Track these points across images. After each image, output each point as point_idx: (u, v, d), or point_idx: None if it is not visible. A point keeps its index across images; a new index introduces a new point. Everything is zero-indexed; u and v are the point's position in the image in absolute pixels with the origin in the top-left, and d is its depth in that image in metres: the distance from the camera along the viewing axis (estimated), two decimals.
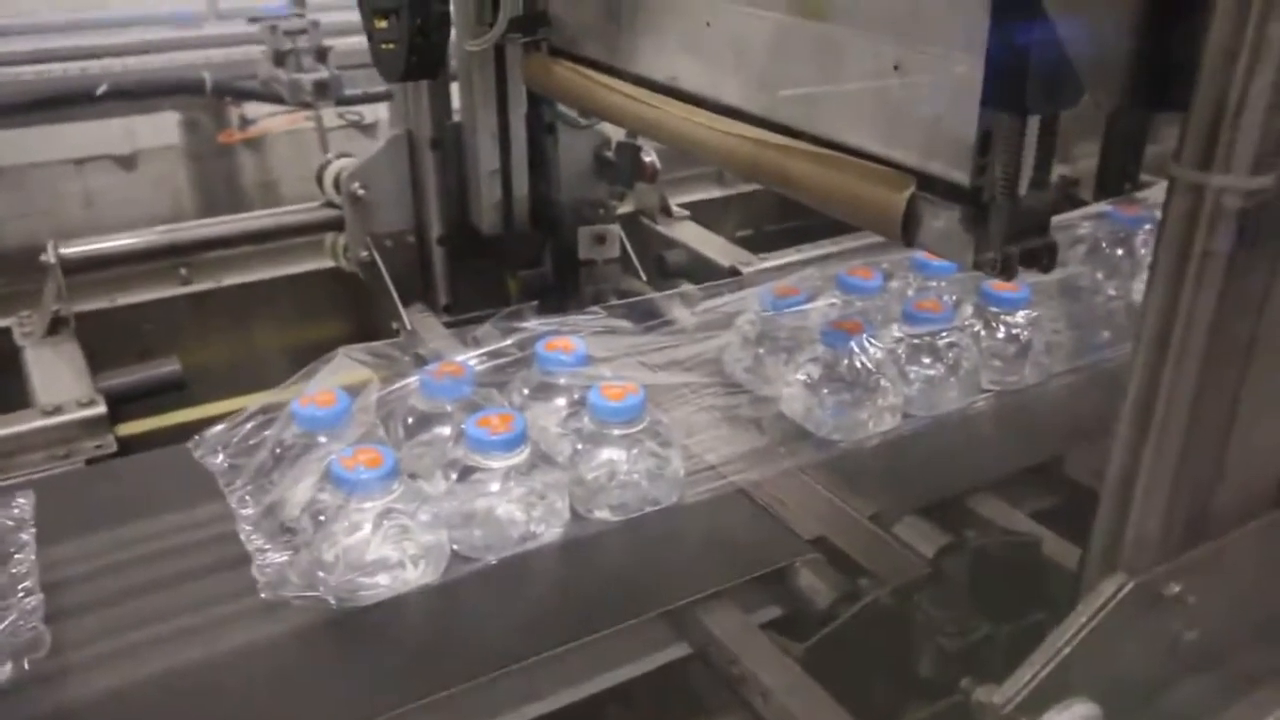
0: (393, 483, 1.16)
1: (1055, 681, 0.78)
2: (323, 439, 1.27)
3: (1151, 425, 0.80)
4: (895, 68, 1.03)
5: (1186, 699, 0.86)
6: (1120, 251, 1.78)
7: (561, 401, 1.39)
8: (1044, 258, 0.99)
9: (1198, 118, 0.71)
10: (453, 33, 1.79)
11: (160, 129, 3.29)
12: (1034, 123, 0.92)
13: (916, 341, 1.52)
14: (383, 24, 1.76)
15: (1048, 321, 1.63)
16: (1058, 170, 2.52)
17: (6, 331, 1.90)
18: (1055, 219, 1.88)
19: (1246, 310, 0.78)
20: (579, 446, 1.29)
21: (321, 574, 1.14)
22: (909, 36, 1.00)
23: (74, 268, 1.88)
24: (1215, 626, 0.86)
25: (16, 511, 1.24)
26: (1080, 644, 0.78)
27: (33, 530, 1.22)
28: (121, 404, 1.70)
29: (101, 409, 1.60)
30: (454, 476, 1.23)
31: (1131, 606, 0.80)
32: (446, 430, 1.33)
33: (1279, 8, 0.67)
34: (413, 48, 1.72)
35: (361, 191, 1.95)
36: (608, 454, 1.28)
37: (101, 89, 2.80)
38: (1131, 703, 0.82)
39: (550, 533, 1.25)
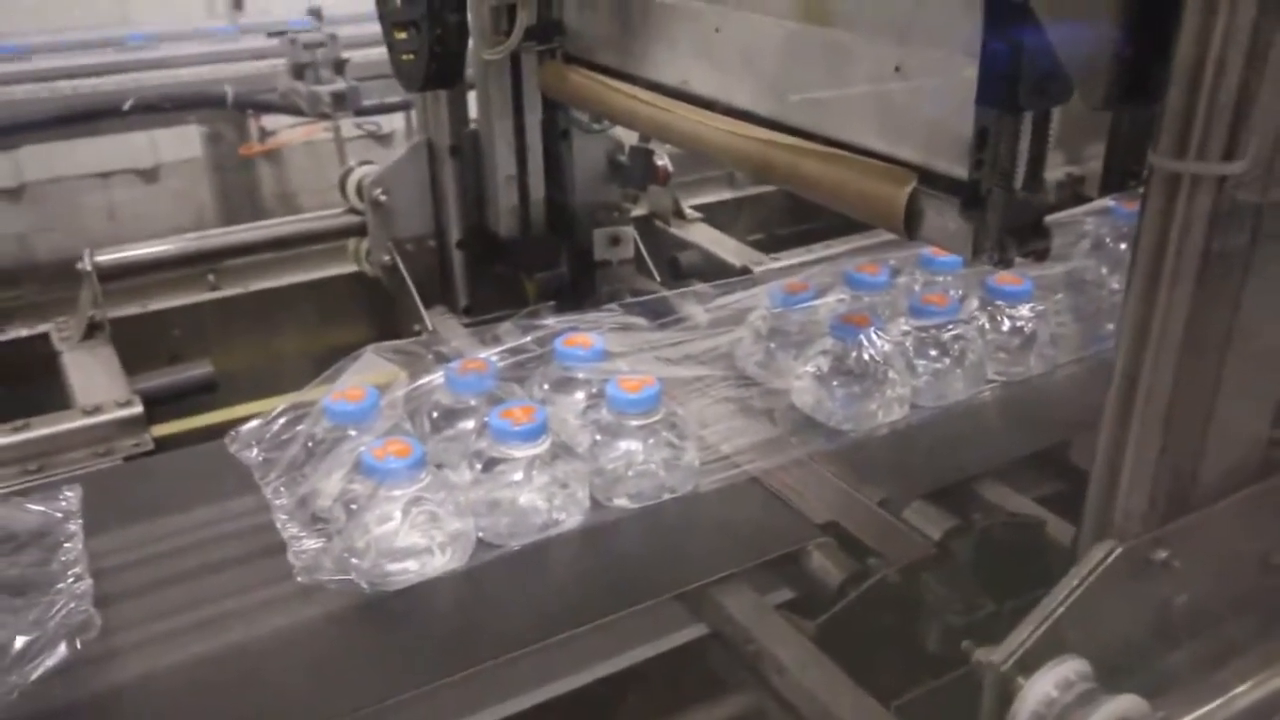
0: (421, 472, 1.21)
1: (1049, 641, 0.83)
2: (353, 432, 1.33)
3: (1135, 405, 0.85)
4: (896, 69, 1.08)
5: (1170, 665, 0.90)
6: (1123, 245, 1.82)
7: (580, 395, 1.44)
8: (1040, 247, 1.04)
9: (1172, 108, 0.76)
10: (470, 43, 1.86)
11: (182, 143, 3.36)
12: (1028, 119, 0.97)
13: (923, 334, 1.56)
14: (402, 35, 1.82)
15: (1052, 314, 1.67)
16: (1066, 169, 2.55)
17: (45, 336, 1.97)
18: (1061, 215, 1.92)
19: (1224, 297, 0.83)
20: (598, 437, 1.34)
21: (354, 560, 1.19)
22: (908, 40, 1.06)
23: (108, 275, 1.94)
24: (1203, 592, 0.91)
25: (64, 504, 1.30)
26: (1073, 606, 0.83)
27: (80, 521, 1.28)
28: (156, 405, 1.76)
29: (139, 409, 1.66)
30: (479, 467, 1.27)
31: (1121, 571, 0.84)
32: (470, 424, 1.38)
33: None
34: (432, 58, 1.78)
35: (383, 197, 2.01)
36: (625, 444, 1.33)
37: (128, 104, 2.87)
38: (1125, 663, 0.86)
39: (571, 520, 1.30)
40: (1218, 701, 0.90)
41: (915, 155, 1.08)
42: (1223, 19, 0.71)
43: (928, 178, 1.06)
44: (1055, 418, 1.56)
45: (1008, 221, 1.00)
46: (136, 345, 1.98)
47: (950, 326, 1.57)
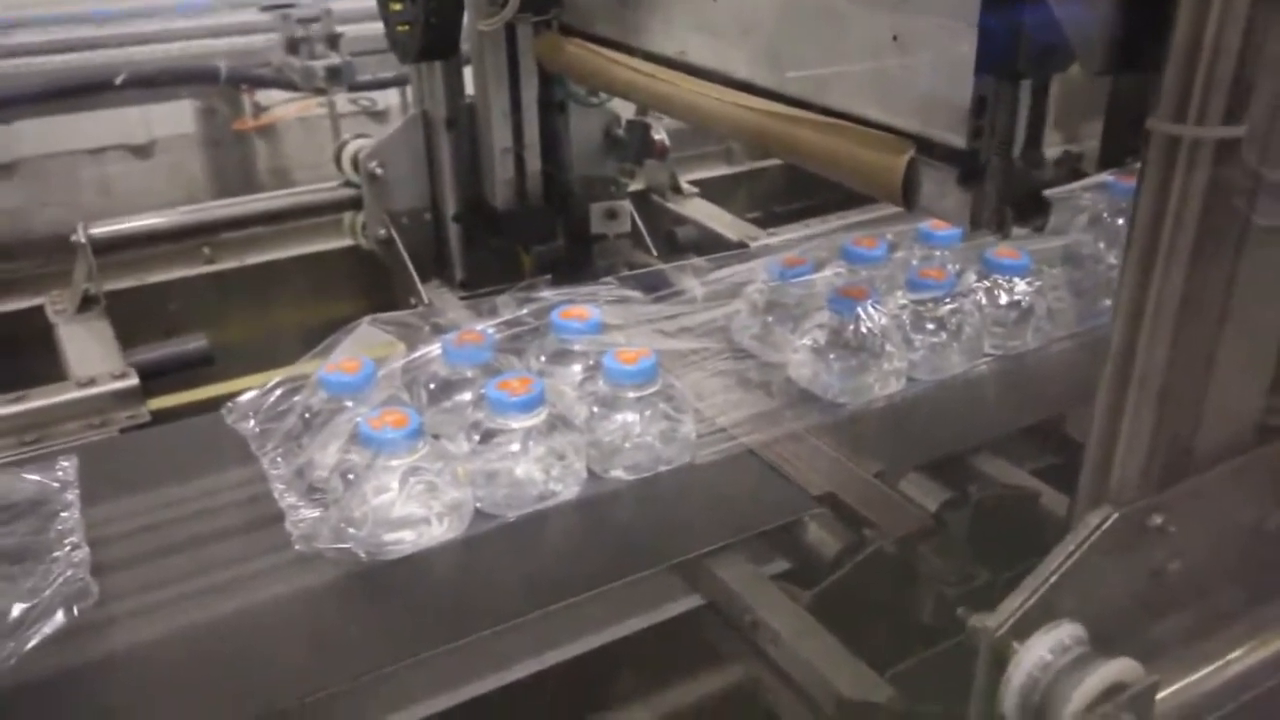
0: (418, 441, 1.21)
1: (1044, 607, 0.83)
2: (349, 403, 1.33)
3: (1132, 372, 0.85)
4: (894, 38, 1.08)
5: (1164, 631, 0.91)
6: (1120, 221, 1.82)
7: (577, 367, 1.44)
8: (1038, 217, 1.03)
9: (1172, 71, 0.76)
10: (466, 13, 1.84)
11: (176, 118, 3.34)
12: (1026, 87, 0.96)
13: (920, 308, 1.56)
14: (398, 6, 1.81)
15: (1049, 288, 1.67)
16: (1064, 146, 2.55)
17: (39, 309, 1.97)
18: (1058, 190, 1.92)
19: (1222, 264, 0.83)
20: (595, 409, 1.34)
21: (351, 529, 1.19)
22: (905, 7, 1.05)
23: (102, 247, 1.94)
24: (1198, 558, 0.91)
25: (61, 474, 1.30)
26: (1068, 572, 0.83)
27: (77, 491, 1.28)
28: (151, 378, 1.76)
29: (134, 381, 1.66)
30: (476, 438, 1.27)
31: (1116, 536, 0.85)
32: (468, 395, 1.38)
33: None
34: (427, 28, 1.77)
35: (379, 170, 2.00)
36: (622, 416, 1.33)
37: (120, 78, 2.85)
38: (1120, 628, 0.87)
39: (568, 491, 1.30)
40: (1211, 667, 0.91)
41: (913, 124, 1.07)
42: None
43: (926, 147, 1.06)
44: (1051, 392, 1.56)
45: (1006, 191, 1.00)
46: (132, 318, 1.98)
47: (947, 300, 1.57)
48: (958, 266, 1.67)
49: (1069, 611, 0.84)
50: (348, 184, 2.11)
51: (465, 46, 1.95)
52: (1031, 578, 0.83)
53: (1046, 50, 0.91)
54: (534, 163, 2.02)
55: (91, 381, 1.64)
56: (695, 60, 1.39)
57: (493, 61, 1.92)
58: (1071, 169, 2.47)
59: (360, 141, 2.07)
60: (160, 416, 1.70)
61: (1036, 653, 0.82)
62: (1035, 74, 0.94)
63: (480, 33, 1.88)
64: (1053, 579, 0.83)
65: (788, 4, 1.22)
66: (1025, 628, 0.83)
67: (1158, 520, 0.86)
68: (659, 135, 2.17)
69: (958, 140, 1.01)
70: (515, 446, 1.26)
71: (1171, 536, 0.87)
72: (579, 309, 1.48)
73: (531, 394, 1.27)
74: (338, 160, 2.12)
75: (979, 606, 1.03)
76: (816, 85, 1.20)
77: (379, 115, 3.53)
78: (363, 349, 1.44)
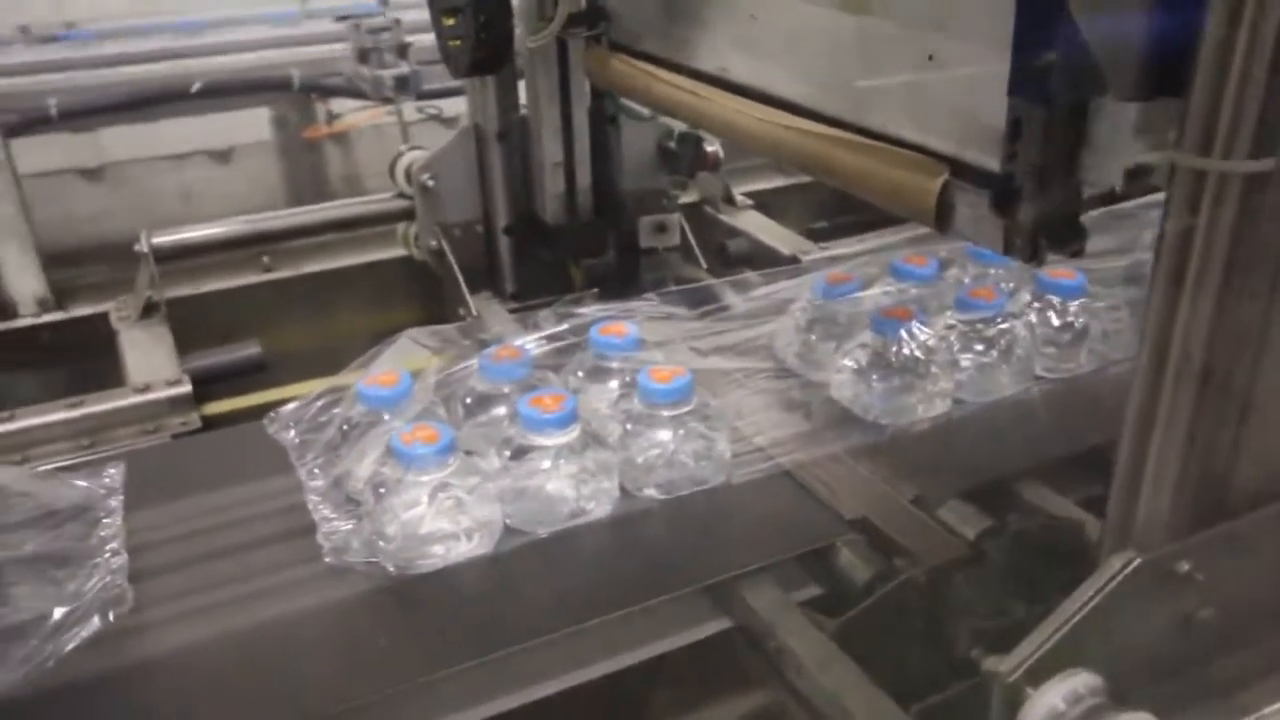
0: (448, 457, 1.21)
1: (1061, 653, 0.80)
2: (386, 416, 1.34)
3: (1159, 407, 0.81)
4: (930, 59, 1.05)
5: (1192, 683, 0.87)
6: None
7: (614, 384, 1.43)
8: (1074, 243, 1.00)
9: (1197, 101, 0.73)
10: (517, 29, 1.86)
11: (255, 125, 3.43)
12: (1061, 111, 0.93)
13: (968, 329, 1.53)
14: (450, 21, 1.83)
15: (1107, 309, 1.61)
16: (1137, 159, 2.47)
17: (104, 316, 2.04)
18: (1123, 205, 1.85)
19: (1255, 298, 0.79)
20: (628, 427, 1.34)
21: (381, 543, 1.21)
22: (941, 29, 1.03)
23: (165, 256, 2.00)
24: (1231, 607, 0.87)
25: (107, 481, 1.34)
26: (1086, 618, 0.80)
27: (120, 498, 1.32)
28: (206, 384, 1.80)
29: (187, 388, 1.71)
30: (508, 454, 1.28)
31: (1139, 582, 0.81)
32: (503, 410, 1.38)
33: None
34: (478, 44, 1.79)
35: (431, 182, 2.03)
36: (656, 435, 1.32)
37: (196, 87, 2.94)
38: (1144, 678, 0.83)
39: (599, 509, 1.29)
40: None
41: (948, 146, 1.05)
42: (1251, 7, 0.68)
43: (960, 170, 1.03)
44: (1103, 417, 1.50)
45: (1040, 217, 0.97)
46: (192, 325, 2.04)
47: (997, 321, 1.53)
48: (1011, 286, 1.63)
49: (1088, 659, 0.81)
50: (401, 195, 2.14)
51: (519, 60, 1.97)
52: (1048, 622, 0.81)
53: (1079, 74, 0.88)
54: (584, 176, 2.02)
55: (146, 388, 1.69)
56: (735, 78, 1.38)
57: (544, 76, 1.93)
58: (1145, 184, 2.39)
59: (414, 154, 2.09)
60: (213, 422, 1.75)
61: (1049, 701, 0.79)
62: (1067, 99, 0.91)
63: (531, 47, 1.89)
64: (1070, 624, 0.80)
65: (825, 22, 1.20)
66: (1040, 673, 0.80)
67: (1185, 567, 0.82)
68: (712, 147, 2.16)
69: (992, 163, 0.99)
70: (546, 463, 1.26)
71: (1201, 584, 0.83)
72: (617, 325, 1.47)
73: (564, 411, 1.26)
74: (392, 172, 2.15)
75: (1011, 642, 1.00)
76: (853, 104, 1.18)
77: (449, 123, 3.58)
78: (403, 362, 1.45)
